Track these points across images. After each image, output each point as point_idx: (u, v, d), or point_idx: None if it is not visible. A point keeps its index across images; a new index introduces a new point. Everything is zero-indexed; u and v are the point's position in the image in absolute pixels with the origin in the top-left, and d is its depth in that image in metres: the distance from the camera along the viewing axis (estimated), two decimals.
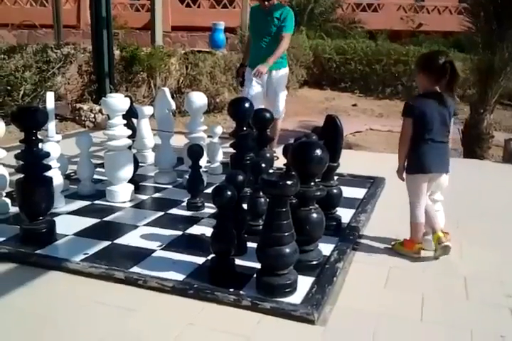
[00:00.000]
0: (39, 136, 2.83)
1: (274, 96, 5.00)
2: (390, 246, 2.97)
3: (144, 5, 25.88)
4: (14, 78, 6.25)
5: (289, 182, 2.13)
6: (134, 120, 4.04)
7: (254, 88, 4.94)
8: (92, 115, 6.74)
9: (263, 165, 2.91)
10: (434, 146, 2.76)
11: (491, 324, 2.23)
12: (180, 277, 2.53)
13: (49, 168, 2.88)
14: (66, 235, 3.03)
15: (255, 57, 4.94)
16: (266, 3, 4.80)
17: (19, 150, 2.86)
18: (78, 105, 6.86)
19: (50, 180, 2.89)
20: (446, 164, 2.84)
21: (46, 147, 3.20)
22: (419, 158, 2.78)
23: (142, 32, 15.98)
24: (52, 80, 6.85)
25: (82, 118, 6.75)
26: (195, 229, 3.19)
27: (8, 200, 3.41)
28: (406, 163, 2.86)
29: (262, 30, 4.90)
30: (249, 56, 5.11)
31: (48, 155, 2.86)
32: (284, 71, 5.04)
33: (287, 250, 2.27)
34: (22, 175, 2.86)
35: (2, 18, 19.32)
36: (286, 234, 2.25)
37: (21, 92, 6.47)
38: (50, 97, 3.62)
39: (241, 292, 2.38)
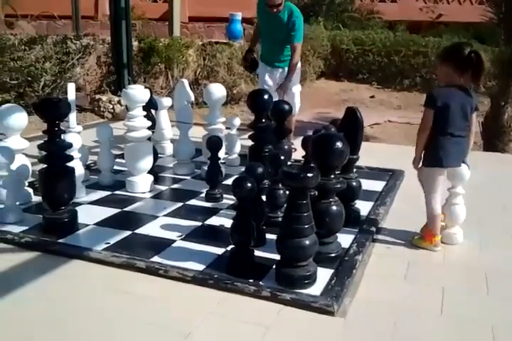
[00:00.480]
0: (61, 127, 2.86)
1: (289, 92, 4.98)
2: (409, 239, 2.96)
3: None
4: (35, 69, 6.31)
5: (309, 175, 2.14)
6: (154, 111, 4.06)
7: (268, 83, 5.00)
8: (111, 106, 6.78)
9: (282, 157, 2.91)
10: (453, 141, 2.74)
11: None
12: (201, 267, 2.55)
13: (71, 158, 2.91)
14: (87, 225, 3.08)
15: (268, 54, 4.99)
16: (275, 9, 4.67)
17: (41, 141, 2.90)
18: (97, 96, 6.91)
19: (72, 170, 2.93)
20: (462, 158, 2.83)
21: (68, 138, 3.23)
22: (437, 152, 2.76)
23: (159, 23, 16.00)
24: (72, 71, 6.90)
25: (101, 109, 6.80)
26: (214, 220, 3.22)
27: (30, 190, 3.47)
28: (423, 155, 2.84)
29: (271, 32, 4.87)
30: (261, 50, 5.13)
31: (70, 145, 2.90)
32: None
33: (307, 242, 2.28)
34: (45, 166, 2.89)
35: (21, 9, 19.46)
36: (306, 226, 2.26)
37: (41, 83, 6.54)
38: (71, 88, 3.65)
39: (261, 283, 2.40)
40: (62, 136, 2.97)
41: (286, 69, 4.91)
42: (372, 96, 10.19)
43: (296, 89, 5.04)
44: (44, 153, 2.88)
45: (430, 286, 2.48)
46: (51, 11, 20.19)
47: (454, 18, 17.60)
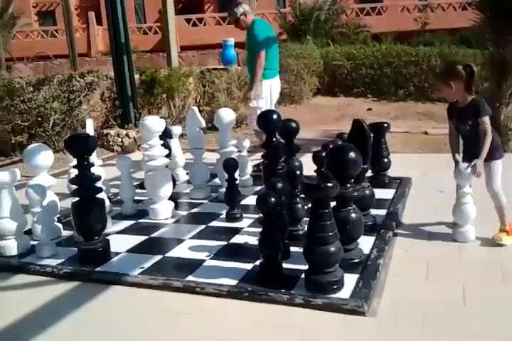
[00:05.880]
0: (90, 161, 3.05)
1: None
2: (424, 241, 3.13)
3: (151, 27, 26.55)
4: (44, 109, 6.53)
5: (330, 185, 2.32)
6: (168, 140, 4.26)
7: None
8: (120, 139, 6.99)
9: (298, 172, 3.10)
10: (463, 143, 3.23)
11: None
12: (234, 282, 2.71)
13: (101, 190, 3.09)
14: (119, 253, 3.23)
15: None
16: (235, 26, 5.17)
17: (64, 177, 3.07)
18: (105, 131, 7.13)
19: (103, 201, 3.11)
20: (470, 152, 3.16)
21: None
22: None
23: (154, 54, 16.41)
24: (79, 109, 7.13)
25: (110, 143, 7.00)
26: (238, 239, 3.37)
27: (60, 225, 3.64)
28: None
29: (249, 47, 5.27)
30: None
31: (99, 178, 3.07)
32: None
33: (332, 249, 2.44)
34: (77, 199, 3.07)
35: (17, 53, 20.01)
36: (330, 233, 2.43)
37: (51, 123, 6.76)
38: (89, 124, 3.87)
39: (292, 291, 2.56)
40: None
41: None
42: (369, 109, 10.43)
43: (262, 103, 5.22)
44: (75, 186, 3.06)
45: (450, 282, 2.63)
46: (45, 51, 20.70)
47: (440, 26, 18.01)
